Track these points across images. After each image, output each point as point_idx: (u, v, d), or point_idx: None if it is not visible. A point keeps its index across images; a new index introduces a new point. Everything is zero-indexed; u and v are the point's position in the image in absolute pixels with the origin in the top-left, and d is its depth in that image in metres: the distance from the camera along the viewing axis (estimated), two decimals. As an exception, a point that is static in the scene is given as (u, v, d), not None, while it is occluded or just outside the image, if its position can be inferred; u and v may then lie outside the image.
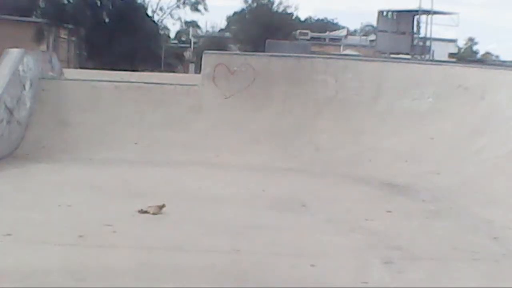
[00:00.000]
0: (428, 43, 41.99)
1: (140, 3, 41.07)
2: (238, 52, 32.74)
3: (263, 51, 22.61)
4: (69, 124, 9.72)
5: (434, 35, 43.89)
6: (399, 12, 41.23)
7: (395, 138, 9.30)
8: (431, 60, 28.11)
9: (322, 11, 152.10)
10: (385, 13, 41.39)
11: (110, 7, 38.53)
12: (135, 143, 9.36)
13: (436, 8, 40.43)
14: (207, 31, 56.21)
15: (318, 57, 12.08)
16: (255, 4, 52.86)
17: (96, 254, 4.52)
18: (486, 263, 4.75)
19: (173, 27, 64.34)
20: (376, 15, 41.55)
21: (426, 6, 39.61)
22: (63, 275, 4.01)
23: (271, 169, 8.53)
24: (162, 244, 4.89)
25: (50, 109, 9.95)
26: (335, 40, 55.87)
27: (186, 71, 41.12)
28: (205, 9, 45.22)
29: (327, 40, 55.64)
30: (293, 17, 55.33)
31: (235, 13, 55.97)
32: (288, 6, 53.31)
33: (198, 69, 24.34)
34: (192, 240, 4.98)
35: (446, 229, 5.75)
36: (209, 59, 10.37)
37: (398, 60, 18.08)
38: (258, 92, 10.14)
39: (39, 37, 34.44)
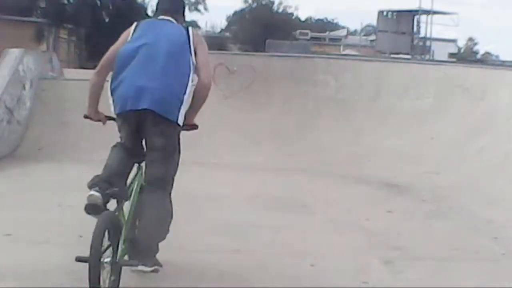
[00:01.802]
0: (428, 43, 42.01)
1: (140, 3, 41.12)
2: (238, 52, 32.74)
3: (263, 51, 22.61)
4: (69, 124, 9.70)
5: (434, 35, 43.94)
6: (399, 12, 41.23)
7: (395, 138, 9.30)
8: (431, 60, 28.10)
9: (322, 11, 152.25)
10: (385, 13, 41.39)
11: (110, 7, 38.56)
12: (135, 143, 9.35)
13: (436, 8, 40.45)
14: (207, 31, 56.23)
15: (318, 57, 12.11)
16: (255, 4, 52.95)
17: (96, 254, 4.51)
18: (486, 263, 4.75)
19: (173, 27, 64.36)
20: (376, 15, 41.59)
21: (426, 6, 39.62)
22: (63, 275, 4.01)
23: (271, 169, 8.52)
24: (162, 244, 4.89)
25: (50, 109, 9.95)
26: (335, 40, 55.92)
27: (186, 71, 41.10)
28: (205, 9, 45.32)
29: (327, 40, 55.67)
30: (293, 17, 55.45)
31: (235, 13, 56.10)
32: (288, 6, 53.46)
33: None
34: (192, 240, 4.98)
35: (446, 229, 5.76)
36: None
37: (398, 60, 18.08)
38: (258, 92, 10.13)
39: (39, 37, 34.46)
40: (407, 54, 37.66)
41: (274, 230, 5.39)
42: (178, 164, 4.00)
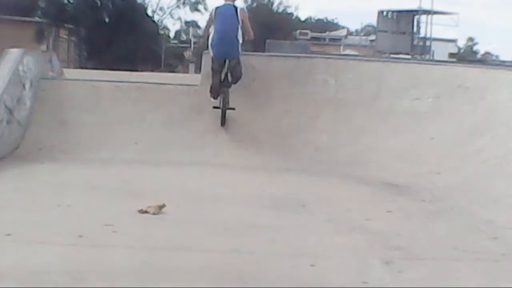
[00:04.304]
0: (428, 43, 42.05)
1: (140, 3, 41.13)
2: (238, 52, 32.57)
3: (263, 51, 22.57)
4: (69, 124, 9.71)
5: (434, 35, 43.99)
6: (399, 12, 41.30)
7: (395, 138, 9.30)
8: (431, 60, 28.10)
9: (322, 11, 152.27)
10: (385, 13, 41.46)
11: (110, 7, 38.56)
12: (135, 143, 9.36)
13: (436, 8, 40.54)
14: (207, 31, 56.16)
15: (318, 57, 12.07)
16: (255, 4, 52.93)
17: (96, 254, 4.52)
18: (486, 263, 4.75)
19: (173, 27, 64.22)
20: (376, 15, 41.63)
21: (426, 6, 39.70)
22: (63, 275, 4.01)
23: (271, 169, 8.53)
24: (162, 244, 4.89)
25: (50, 109, 9.94)
26: (335, 40, 55.91)
27: (186, 71, 41.17)
28: (205, 9, 45.31)
29: (327, 40, 55.66)
30: (293, 17, 55.44)
31: (235, 13, 55.90)
32: (288, 6, 53.44)
33: (198, 69, 24.33)
34: (192, 240, 4.98)
35: (446, 229, 5.76)
36: (209, 59, 10.35)
37: (398, 60, 18.07)
38: (258, 92, 10.13)
39: (39, 37, 34.49)
40: (407, 54, 37.70)
41: (274, 230, 5.39)
42: (241, 68, 9.56)
